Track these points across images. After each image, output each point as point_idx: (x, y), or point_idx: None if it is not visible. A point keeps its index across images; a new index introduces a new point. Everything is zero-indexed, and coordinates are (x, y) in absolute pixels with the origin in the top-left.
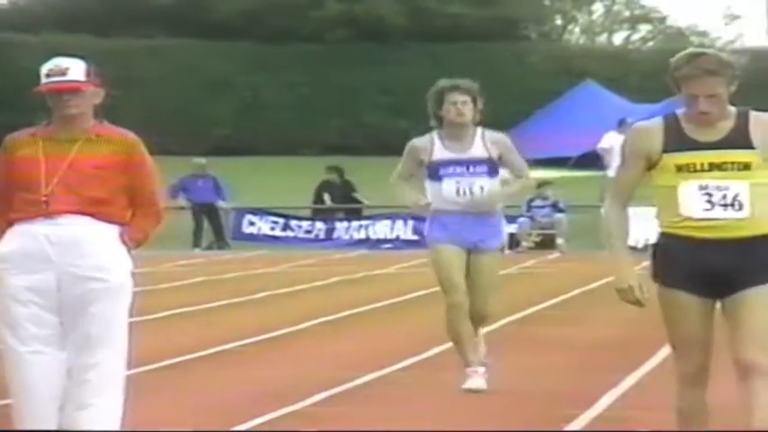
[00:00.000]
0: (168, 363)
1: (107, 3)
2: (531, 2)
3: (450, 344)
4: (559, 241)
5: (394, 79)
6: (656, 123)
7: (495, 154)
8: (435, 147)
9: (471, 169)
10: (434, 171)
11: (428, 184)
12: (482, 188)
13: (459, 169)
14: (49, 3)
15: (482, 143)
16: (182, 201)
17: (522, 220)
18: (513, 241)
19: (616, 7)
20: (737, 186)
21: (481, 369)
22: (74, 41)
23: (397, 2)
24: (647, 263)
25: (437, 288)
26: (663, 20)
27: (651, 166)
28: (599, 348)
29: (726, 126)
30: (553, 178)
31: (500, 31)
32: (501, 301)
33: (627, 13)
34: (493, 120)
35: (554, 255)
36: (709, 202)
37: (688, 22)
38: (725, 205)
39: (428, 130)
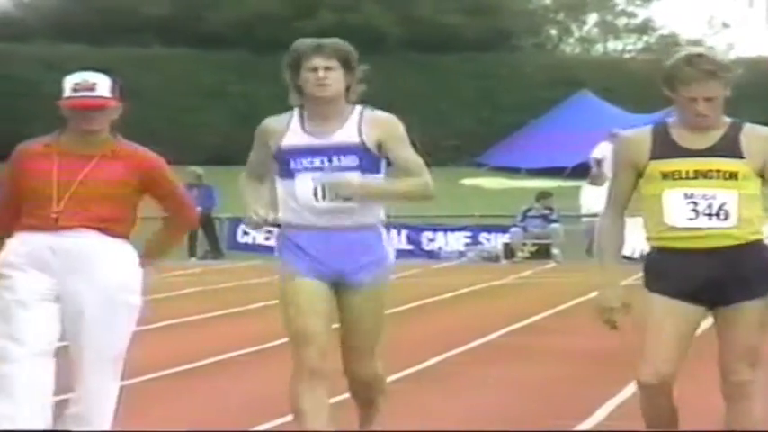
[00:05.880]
0: (166, 372)
1: (101, 13)
2: (525, 12)
3: (447, 354)
4: (555, 251)
5: (387, 89)
6: (645, 131)
7: (371, 140)
8: (290, 129)
9: (335, 161)
10: (284, 163)
11: (279, 185)
12: None
13: (317, 161)
14: (43, 12)
15: (356, 126)
16: None
17: (514, 230)
18: (508, 251)
19: (610, 17)
20: (724, 195)
21: None
22: (67, 51)
23: (390, 12)
24: (641, 273)
25: (434, 298)
26: (657, 29)
27: (640, 174)
28: (596, 359)
29: (716, 134)
30: (550, 188)
31: (495, 42)
32: (497, 311)
33: (622, 23)
34: (488, 129)
35: (550, 265)
36: (695, 211)
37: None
38: (710, 215)
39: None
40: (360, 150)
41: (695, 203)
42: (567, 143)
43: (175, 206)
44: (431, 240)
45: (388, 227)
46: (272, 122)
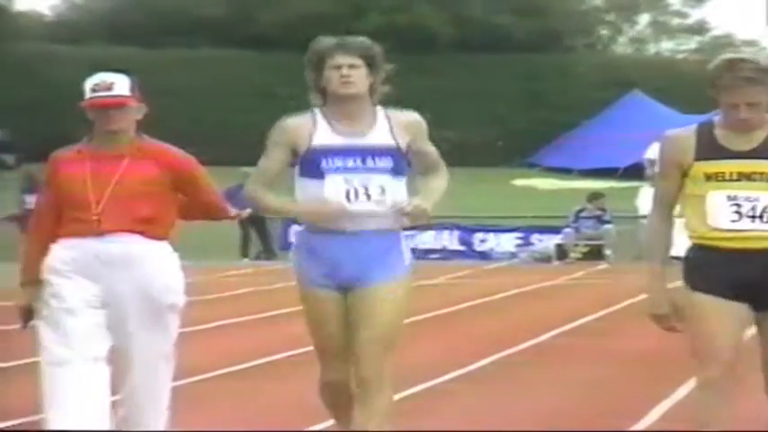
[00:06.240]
0: (219, 373)
1: (152, 14)
2: (577, 13)
3: (498, 355)
4: (607, 252)
5: (438, 90)
6: (689, 131)
7: (404, 142)
8: (319, 128)
9: (369, 162)
10: (313, 163)
11: (300, 185)
12: (382, 189)
13: (350, 161)
14: (96, 15)
15: (387, 126)
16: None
17: (567, 231)
18: (560, 252)
19: (663, 17)
20: (767, 198)
21: None
22: (118, 53)
23: (441, 13)
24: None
25: (485, 299)
26: (711, 29)
27: (685, 174)
28: (648, 360)
29: (761, 135)
30: (602, 189)
31: (546, 42)
32: (548, 312)
33: (674, 23)
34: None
35: (602, 266)
36: (738, 213)
37: (733, 30)
38: (753, 217)
39: (477, 138)
40: (395, 153)
41: (738, 205)
42: (620, 144)
43: (207, 202)
44: (482, 241)
45: (440, 227)
46: (295, 121)
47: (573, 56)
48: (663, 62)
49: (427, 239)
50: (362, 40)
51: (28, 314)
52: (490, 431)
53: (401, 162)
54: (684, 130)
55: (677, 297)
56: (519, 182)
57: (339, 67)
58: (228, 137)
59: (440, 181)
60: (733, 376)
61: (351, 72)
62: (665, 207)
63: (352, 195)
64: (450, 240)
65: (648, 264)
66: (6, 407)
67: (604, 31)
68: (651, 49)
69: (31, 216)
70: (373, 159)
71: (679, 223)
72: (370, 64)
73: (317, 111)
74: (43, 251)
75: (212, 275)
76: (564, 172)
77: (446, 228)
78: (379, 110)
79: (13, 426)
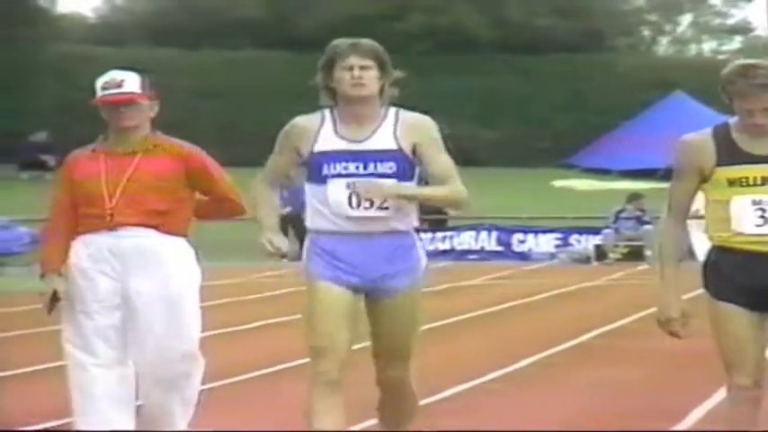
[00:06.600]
0: (259, 373)
1: (193, 16)
2: (618, 13)
3: (538, 356)
4: (648, 253)
5: (478, 90)
6: (706, 135)
7: (407, 145)
8: (323, 131)
9: (371, 167)
10: (316, 168)
11: (308, 190)
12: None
13: (351, 166)
14: (138, 16)
15: (392, 129)
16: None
17: (607, 231)
18: (600, 253)
19: (704, 18)
20: None
21: None
22: (159, 55)
23: (481, 14)
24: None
25: (525, 300)
26: (753, 30)
27: (704, 179)
28: (689, 362)
29: None
30: (642, 190)
31: (587, 43)
32: (588, 313)
33: (716, 24)
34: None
35: (642, 266)
36: (763, 217)
37: None
38: None
39: (515, 139)
40: (397, 157)
41: (763, 210)
42: (660, 145)
43: (222, 197)
44: (521, 242)
45: (479, 228)
46: (301, 123)
47: (615, 56)
48: (705, 63)
49: (466, 240)
50: (374, 43)
51: (52, 301)
52: (529, 431)
53: (406, 166)
54: (701, 135)
55: (689, 305)
56: (558, 182)
57: (351, 68)
58: (269, 137)
59: (441, 189)
60: (761, 386)
61: (362, 74)
62: (679, 211)
63: (354, 201)
64: (488, 241)
65: (660, 267)
66: (42, 408)
67: (647, 32)
68: (693, 49)
69: (46, 219)
70: (375, 164)
71: (697, 225)
72: (381, 66)
73: (326, 113)
74: (59, 247)
75: (250, 276)
76: (603, 173)
77: (485, 228)
78: (390, 111)
79: (50, 427)
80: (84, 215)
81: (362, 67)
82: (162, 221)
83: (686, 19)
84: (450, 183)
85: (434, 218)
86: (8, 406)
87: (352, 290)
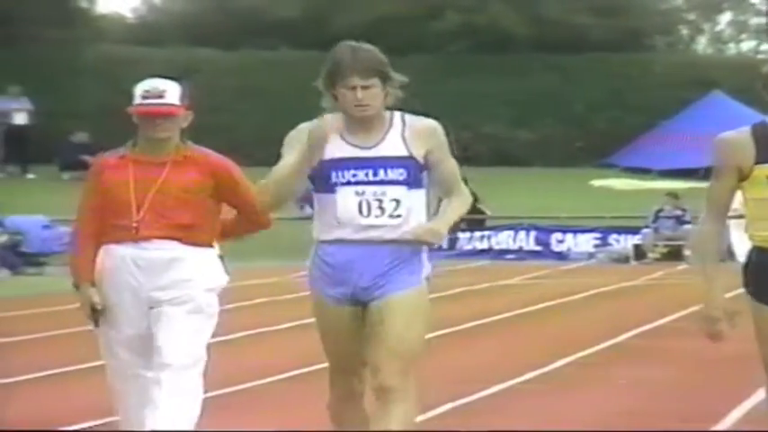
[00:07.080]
0: (294, 374)
1: (231, 16)
2: (656, 12)
3: (576, 355)
4: (687, 252)
5: (515, 90)
6: (745, 133)
7: (419, 151)
8: (331, 139)
9: (381, 174)
10: (325, 176)
11: (317, 200)
12: (397, 202)
13: (360, 173)
14: (175, 16)
15: (400, 135)
16: (309, 211)
17: (646, 231)
18: (639, 252)
19: (744, 17)
20: None
21: None
22: (197, 55)
23: (518, 12)
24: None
25: (563, 299)
26: None
27: (743, 177)
28: (728, 362)
29: None
30: (681, 189)
31: (625, 42)
32: (627, 312)
33: (756, 23)
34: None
35: (681, 266)
36: None
37: None
38: None
39: (553, 139)
40: (408, 163)
41: None
42: (700, 144)
43: (248, 209)
44: (560, 241)
45: (517, 228)
46: (310, 129)
47: (653, 55)
48: (744, 62)
49: (504, 239)
50: (374, 53)
51: (94, 313)
52: (567, 431)
53: (416, 173)
54: (740, 133)
55: (733, 304)
56: (597, 182)
57: (354, 89)
58: None
59: (458, 203)
60: None
61: (365, 95)
62: (718, 209)
63: (365, 209)
64: (526, 241)
65: (702, 267)
66: (83, 408)
67: (685, 31)
68: (731, 48)
69: (75, 225)
70: (385, 171)
71: (739, 225)
72: (384, 79)
73: (330, 118)
74: (90, 256)
75: (284, 276)
76: (642, 172)
77: (523, 228)
78: (396, 116)
79: (92, 426)
80: (110, 224)
81: (365, 87)
82: (186, 234)
83: (725, 18)
84: (456, 189)
85: (473, 217)
86: (50, 405)
87: (354, 302)
